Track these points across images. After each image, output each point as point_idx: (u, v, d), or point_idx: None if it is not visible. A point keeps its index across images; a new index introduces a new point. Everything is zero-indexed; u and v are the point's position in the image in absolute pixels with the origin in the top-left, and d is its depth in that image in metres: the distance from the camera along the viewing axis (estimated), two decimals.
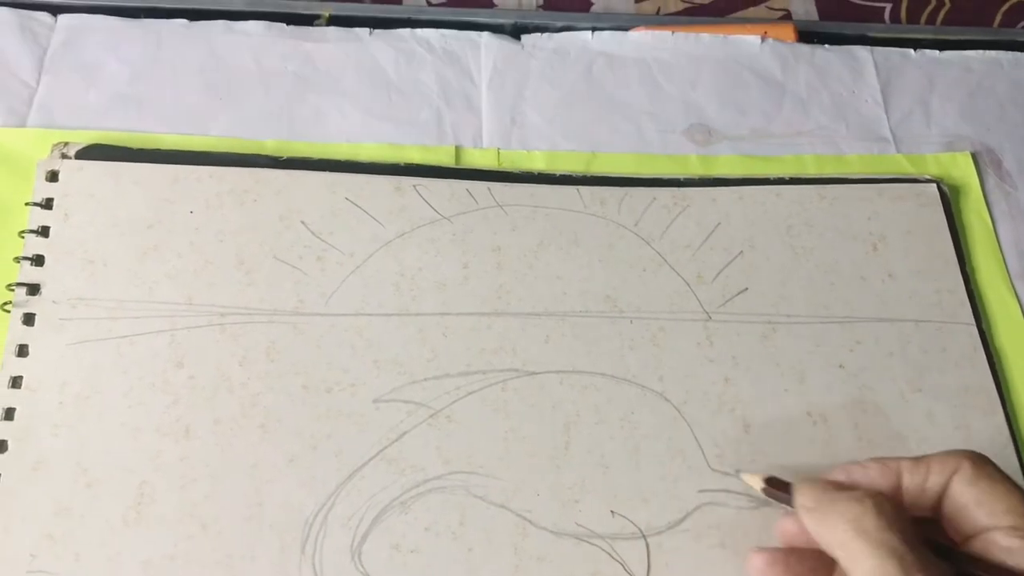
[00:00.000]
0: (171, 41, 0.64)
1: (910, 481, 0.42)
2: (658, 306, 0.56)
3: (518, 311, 0.55)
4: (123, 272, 0.53)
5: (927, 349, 0.56)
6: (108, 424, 0.49)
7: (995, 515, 0.40)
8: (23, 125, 0.59)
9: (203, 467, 0.49)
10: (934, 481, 0.42)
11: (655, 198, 0.60)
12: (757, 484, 0.47)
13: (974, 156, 0.65)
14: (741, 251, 0.58)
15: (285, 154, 0.59)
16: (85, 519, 0.47)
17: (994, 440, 0.53)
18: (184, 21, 0.65)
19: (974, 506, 0.41)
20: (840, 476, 0.44)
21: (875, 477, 0.43)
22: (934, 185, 0.62)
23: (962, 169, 0.65)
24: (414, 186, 0.58)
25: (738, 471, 0.50)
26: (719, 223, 0.59)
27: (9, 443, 0.49)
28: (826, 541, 0.41)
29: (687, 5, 0.75)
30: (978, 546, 0.40)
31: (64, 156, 0.56)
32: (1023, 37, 0.74)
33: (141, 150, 0.58)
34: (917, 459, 0.43)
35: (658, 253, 0.58)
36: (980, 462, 0.41)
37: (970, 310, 0.58)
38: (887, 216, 0.61)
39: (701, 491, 0.50)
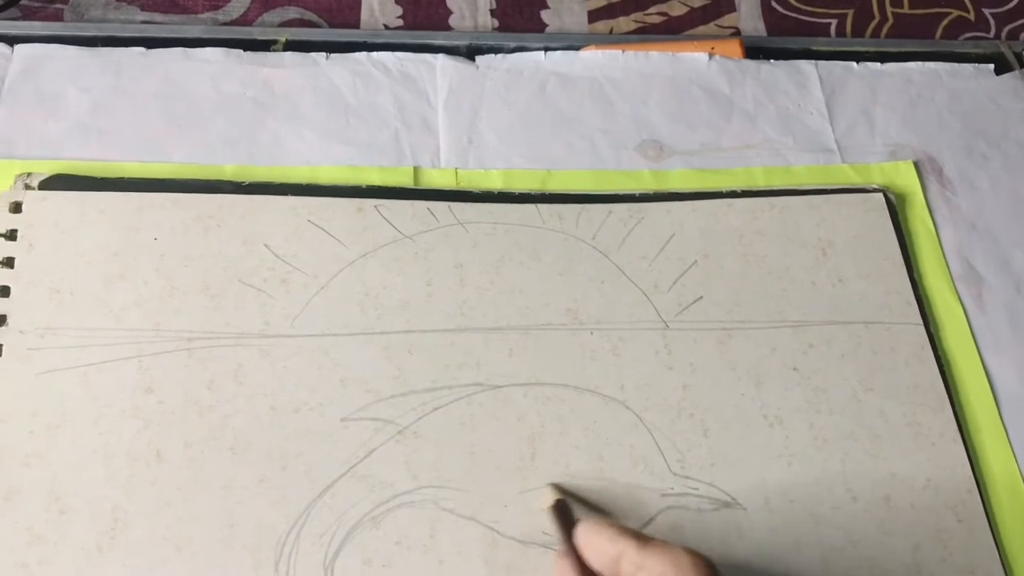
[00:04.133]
0: (130, 70, 0.65)
1: (628, 566, 0.42)
2: (617, 317, 0.57)
3: (481, 326, 0.56)
4: (90, 300, 0.54)
5: (877, 350, 0.57)
6: (79, 451, 0.50)
7: None
8: None
9: (175, 490, 0.49)
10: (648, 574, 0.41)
11: (611, 212, 0.61)
12: (547, 501, 0.49)
13: (916, 164, 0.67)
14: (695, 261, 0.60)
15: (246, 179, 0.60)
16: (59, 547, 0.47)
17: (943, 434, 0.55)
18: (142, 49, 0.66)
19: None
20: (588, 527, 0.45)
21: (602, 544, 0.43)
22: (880, 193, 0.64)
23: (905, 177, 0.66)
24: (375, 206, 0.59)
25: (550, 483, 0.51)
26: (673, 234, 0.60)
27: None
28: None
29: (639, 25, 0.76)
30: None
31: (28, 187, 0.57)
32: (960, 48, 0.76)
33: (104, 179, 0.58)
34: (643, 543, 0.42)
35: (616, 265, 0.59)
36: (690, 567, 0.40)
37: (917, 311, 0.59)
38: (835, 222, 0.62)
39: (664, 495, 0.52)
